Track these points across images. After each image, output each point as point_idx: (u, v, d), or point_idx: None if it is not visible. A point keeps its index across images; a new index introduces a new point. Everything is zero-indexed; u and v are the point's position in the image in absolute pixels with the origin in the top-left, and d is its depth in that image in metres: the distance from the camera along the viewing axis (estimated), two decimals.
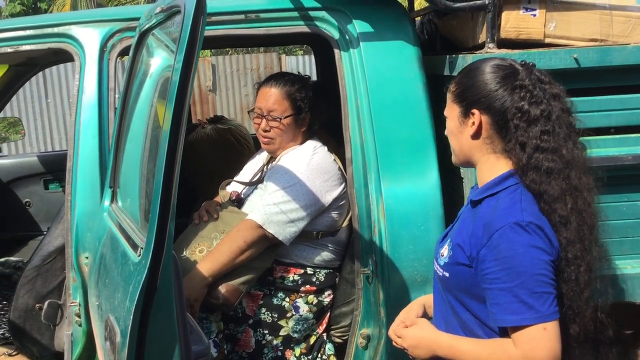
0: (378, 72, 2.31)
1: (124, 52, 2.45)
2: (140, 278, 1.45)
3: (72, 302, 2.36)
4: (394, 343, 1.66)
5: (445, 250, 1.57)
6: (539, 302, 1.37)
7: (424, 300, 1.83)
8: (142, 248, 1.56)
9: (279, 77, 2.61)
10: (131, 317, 1.44)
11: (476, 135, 1.52)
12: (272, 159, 2.66)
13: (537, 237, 1.39)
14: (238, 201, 2.64)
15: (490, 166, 1.53)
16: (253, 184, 2.66)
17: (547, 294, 1.38)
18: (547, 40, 2.16)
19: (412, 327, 1.62)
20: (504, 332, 1.43)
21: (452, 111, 1.58)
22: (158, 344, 1.49)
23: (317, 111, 3.05)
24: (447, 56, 2.32)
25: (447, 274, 1.54)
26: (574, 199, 1.46)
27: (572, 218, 1.45)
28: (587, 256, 1.46)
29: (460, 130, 1.56)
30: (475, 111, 1.51)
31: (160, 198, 1.44)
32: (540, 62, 2.01)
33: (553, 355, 1.37)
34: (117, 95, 2.43)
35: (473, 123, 1.52)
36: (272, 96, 2.52)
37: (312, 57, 5.32)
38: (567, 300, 1.45)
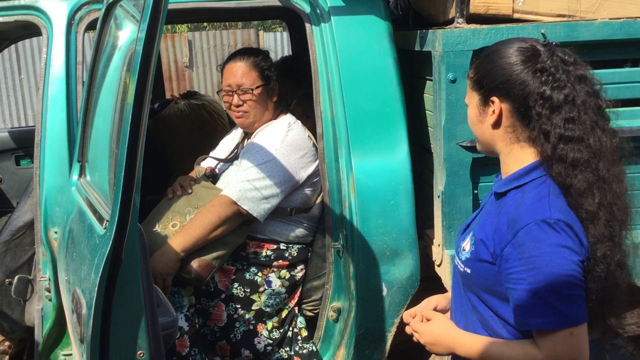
0: (349, 46, 2.31)
1: (92, 25, 2.41)
2: (105, 250, 1.45)
3: (42, 277, 2.35)
4: (414, 338, 1.57)
5: (467, 245, 1.47)
6: (567, 305, 1.27)
7: (436, 300, 1.67)
8: (107, 221, 1.56)
9: (241, 51, 2.62)
10: (96, 289, 1.44)
11: (497, 124, 1.42)
12: (247, 135, 2.65)
13: (566, 235, 1.29)
14: (213, 177, 2.64)
15: (514, 157, 1.43)
16: (228, 161, 2.65)
17: (576, 296, 1.28)
18: (516, 16, 2.17)
19: (430, 322, 1.53)
20: (528, 333, 1.35)
21: (471, 99, 1.48)
22: (124, 315, 1.49)
23: (292, 87, 3.06)
24: (418, 31, 2.32)
25: (468, 270, 1.44)
26: (602, 193, 1.34)
27: (601, 213, 1.33)
28: (617, 254, 1.35)
29: (481, 120, 1.45)
30: (495, 99, 1.41)
31: (124, 170, 1.43)
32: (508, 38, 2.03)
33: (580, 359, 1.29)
34: (85, 69, 2.41)
35: (493, 112, 1.41)
36: (239, 70, 2.52)
37: None
38: (595, 299, 1.34)
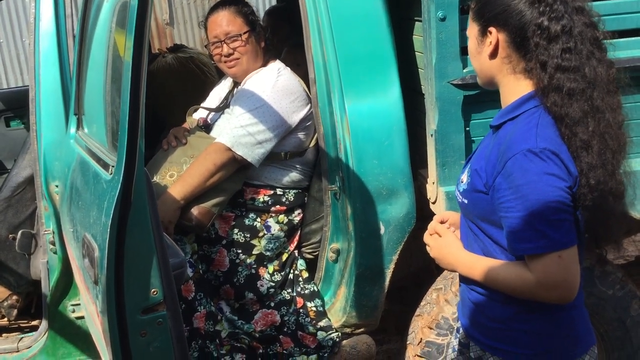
0: None
1: None
2: (114, 193, 1.49)
3: (45, 231, 2.39)
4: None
5: (464, 177, 1.53)
6: (554, 229, 1.33)
7: (449, 215, 1.73)
8: (113, 167, 1.59)
9: (221, 3, 2.62)
10: (108, 231, 1.48)
11: (493, 55, 1.45)
12: (237, 84, 2.67)
13: (551, 163, 1.34)
14: (205, 127, 2.66)
15: (511, 88, 1.46)
16: (220, 110, 2.67)
17: (562, 221, 1.34)
18: None
19: (440, 238, 1.60)
20: (523, 258, 1.41)
21: (471, 30, 1.50)
22: (136, 255, 1.54)
23: (282, 35, 3.06)
24: None
25: (465, 201, 1.51)
26: (596, 122, 1.38)
27: (594, 142, 1.37)
28: (610, 181, 1.39)
29: (479, 51, 1.49)
30: (492, 29, 1.43)
31: (128, 118, 1.46)
32: None
33: (569, 280, 1.36)
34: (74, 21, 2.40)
35: (490, 43, 1.44)
36: (224, 19, 2.53)
37: None
38: (590, 226, 1.41)
